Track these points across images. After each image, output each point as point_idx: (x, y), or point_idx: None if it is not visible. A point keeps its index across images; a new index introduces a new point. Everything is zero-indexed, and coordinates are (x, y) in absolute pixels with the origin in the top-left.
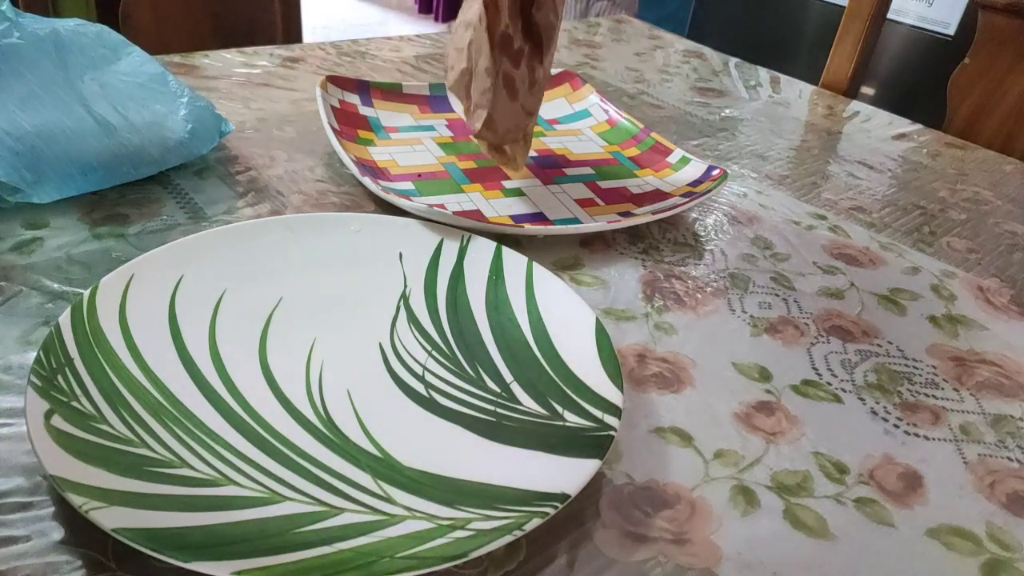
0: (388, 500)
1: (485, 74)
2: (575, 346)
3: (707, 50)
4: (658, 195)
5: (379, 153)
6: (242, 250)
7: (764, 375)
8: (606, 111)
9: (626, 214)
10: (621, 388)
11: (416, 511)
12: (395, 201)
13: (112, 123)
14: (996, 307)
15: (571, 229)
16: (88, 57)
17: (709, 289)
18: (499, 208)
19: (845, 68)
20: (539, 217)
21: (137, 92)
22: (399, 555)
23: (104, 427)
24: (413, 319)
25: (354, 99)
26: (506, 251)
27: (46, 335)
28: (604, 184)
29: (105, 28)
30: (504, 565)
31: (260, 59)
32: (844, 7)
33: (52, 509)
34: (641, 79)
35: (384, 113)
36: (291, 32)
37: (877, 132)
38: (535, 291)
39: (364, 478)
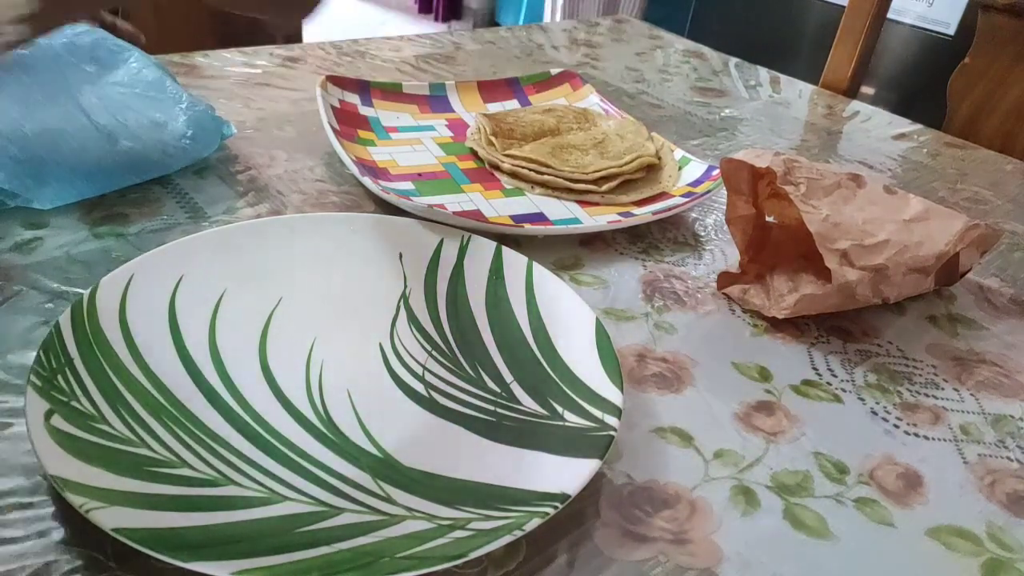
0: (388, 500)
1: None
2: (575, 346)
3: (707, 50)
4: (658, 195)
5: (379, 153)
6: (242, 250)
7: (764, 375)
8: (606, 111)
9: (626, 214)
10: (621, 388)
11: (416, 511)
12: (395, 201)
13: (113, 131)
14: (996, 307)
15: (571, 229)
16: (84, 72)
17: (709, 289)
18: (499, 208)
19: (845, 68)
20: (539, 217)
21: (135, 102)
22: (399, 555)
23: (104, 427)
24: (413, 319)
25: (354, 99)
26: (506, 251)
27: (46, 335)
28: None
29: (102, 34)
30: (504, 565)
31: (260, 59)
32: (844, 7)
33: (52, 509)
34: (641, 79)
35: (384, 113)
36: (291, 32)
37: (877, 132)
38: (535, 291)
39: (364, 478)
